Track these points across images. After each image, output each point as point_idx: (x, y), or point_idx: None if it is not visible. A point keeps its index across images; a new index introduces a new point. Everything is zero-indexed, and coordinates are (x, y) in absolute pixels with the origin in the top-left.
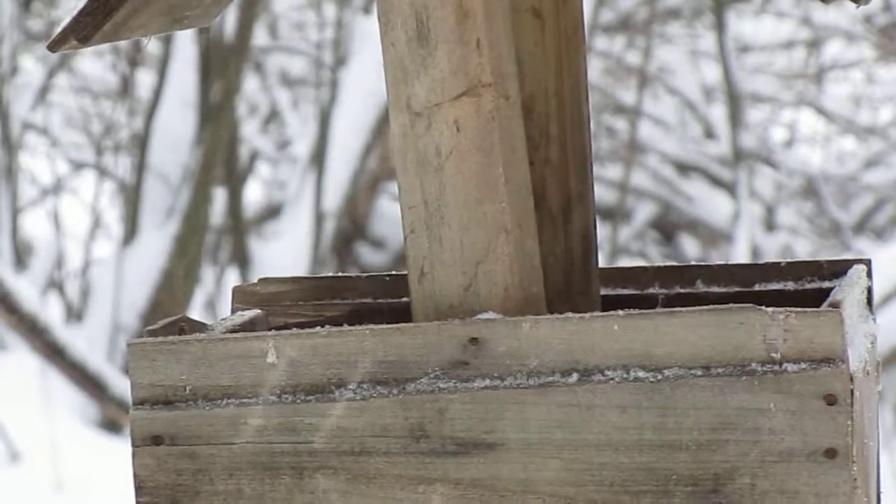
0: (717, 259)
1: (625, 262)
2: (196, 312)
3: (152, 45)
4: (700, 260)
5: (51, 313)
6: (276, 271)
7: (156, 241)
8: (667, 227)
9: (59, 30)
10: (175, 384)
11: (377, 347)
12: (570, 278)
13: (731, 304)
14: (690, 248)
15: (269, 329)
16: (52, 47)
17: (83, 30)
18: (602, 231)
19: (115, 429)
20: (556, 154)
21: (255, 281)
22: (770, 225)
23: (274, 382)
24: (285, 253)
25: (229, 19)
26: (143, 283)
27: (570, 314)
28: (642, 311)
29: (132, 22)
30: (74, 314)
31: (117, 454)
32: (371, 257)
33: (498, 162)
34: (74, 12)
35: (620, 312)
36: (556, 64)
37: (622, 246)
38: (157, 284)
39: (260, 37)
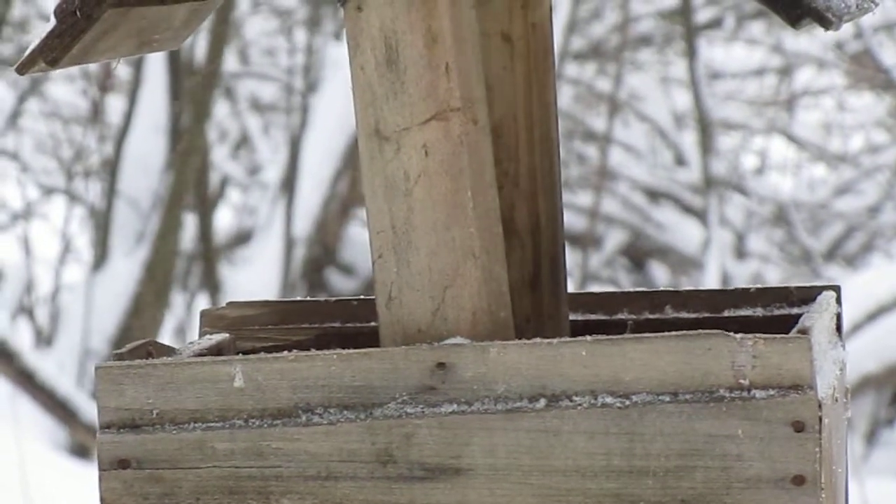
0: (687, 286)
1: (595, 289)
2: (166, 338)
3: (123, 71)
4: (669, 286)
5: (20, 338)
6: (246, 297)
7: (126, 267)
8: (637, 254)
9: (27, 52)
10: (142, 408)
11: (344, 372)
12: (539, 303)
13: (699, 331)
14: (661, 276)
15: (237, 353)
16: (21, 70)
17: (51, 52)
18: (572, 258)
19: (84, 454)
20: (524, 178)
21: (224, 304)
22: (741, 252)
23: (241, 407)
24: (255, 279)
25: (200, 45)
26: (113, 309)
27: (537, 339)
28: (610, 336)
29: (101, 45)
30: (44, 339)
31: (87, 479)
32: (341, 283)
33: (466, 186)
34: (43, 34)
35: (588, 338)
36: (526, 88)
37: (592, 273)
38: (128, 310)
39: (230, 62)
